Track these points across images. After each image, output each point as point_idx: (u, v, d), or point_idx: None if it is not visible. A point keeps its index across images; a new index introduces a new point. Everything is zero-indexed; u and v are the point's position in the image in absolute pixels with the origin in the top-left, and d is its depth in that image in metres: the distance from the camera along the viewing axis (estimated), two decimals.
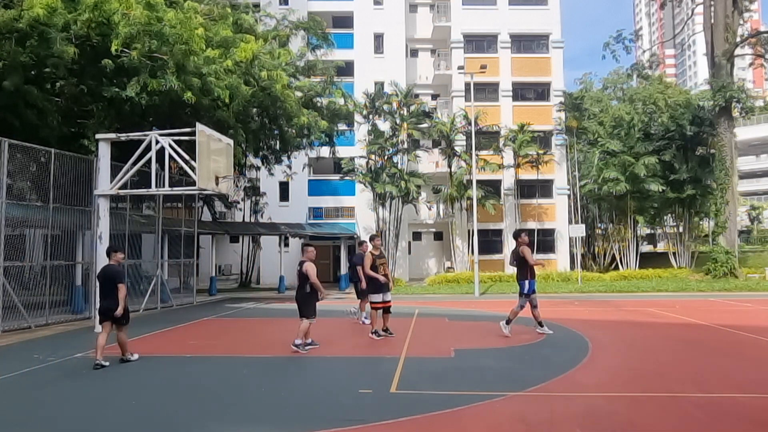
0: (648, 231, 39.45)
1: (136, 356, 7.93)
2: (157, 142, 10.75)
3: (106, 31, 11.77)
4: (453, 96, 29.97)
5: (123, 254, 8.60)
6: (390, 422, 4.87)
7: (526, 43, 30.52)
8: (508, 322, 9.66)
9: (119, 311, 7.41)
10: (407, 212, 28.51)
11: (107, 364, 7.41)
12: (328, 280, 27.60)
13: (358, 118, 26.10)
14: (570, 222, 28.59)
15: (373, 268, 9.46)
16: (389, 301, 9.61)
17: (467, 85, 26.42)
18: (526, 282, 9.50)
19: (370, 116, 26.71)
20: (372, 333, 9.56)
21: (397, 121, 26.70)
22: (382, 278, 9.41)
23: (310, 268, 8.34)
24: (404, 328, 10.46)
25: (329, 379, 6.64)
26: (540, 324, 9.85)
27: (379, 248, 9.82)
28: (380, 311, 9.58)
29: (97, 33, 11.88)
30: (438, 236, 30.85)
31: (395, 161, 26.88)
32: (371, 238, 10.00)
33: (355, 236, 27.90)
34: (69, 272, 13.53)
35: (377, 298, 9.46)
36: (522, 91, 30.41)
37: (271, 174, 24.11)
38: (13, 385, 6.58)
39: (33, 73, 12.22)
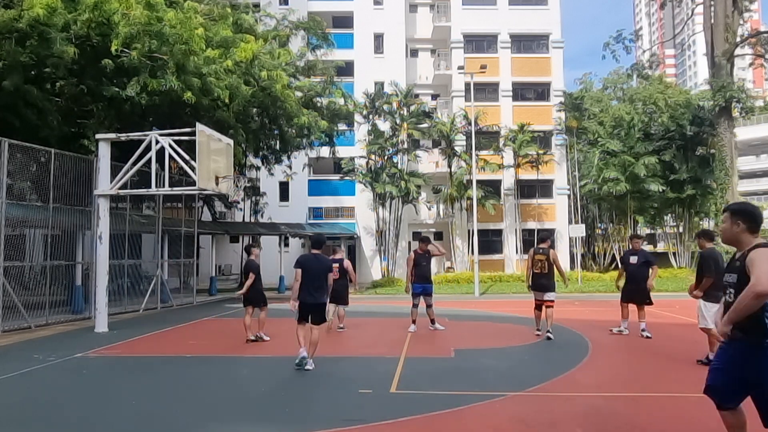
0: (648, 231, 39.48)
1: (267, 337, 9.34)
2: (157, 142, 10.74)
3: (106, 31, 11.76)
4: (453, 96, 29.96)
5: (258, 248, 9.76)
6: (390, 422, 4.87)
7: (526, 43, 30.53)
8: None
9: (242, 291, 9.24)
10: (407, 212, 28.51)
11: (254, 338, 9.16)
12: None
13: (358, 118, 26.10)
14: (570, 222, 28.57)
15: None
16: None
17: (467, 85, 26.42)
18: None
19: (370, 116, 26.72)
20: (548, 332, 9.45)
21: (397, 121, 26.70)
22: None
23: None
24: (404, 328, 10.45)
25: (329, 379, 6.63)
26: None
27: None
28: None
29: (97, 33, 11.87)
30: (438, 236, 30.82)
31: (395, 161, 26.89)
32: (542, 240, 9.96)
33: (355, 236, 27.93)
34: (69, 272, 13.51)
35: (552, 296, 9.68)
36: (522, 91, 30.41)
37: (271, 174, 24.10)
38: (13, 385, 6.58)
39: (33, 73, 12.20)
